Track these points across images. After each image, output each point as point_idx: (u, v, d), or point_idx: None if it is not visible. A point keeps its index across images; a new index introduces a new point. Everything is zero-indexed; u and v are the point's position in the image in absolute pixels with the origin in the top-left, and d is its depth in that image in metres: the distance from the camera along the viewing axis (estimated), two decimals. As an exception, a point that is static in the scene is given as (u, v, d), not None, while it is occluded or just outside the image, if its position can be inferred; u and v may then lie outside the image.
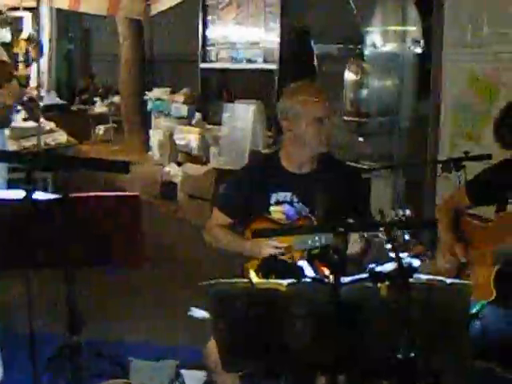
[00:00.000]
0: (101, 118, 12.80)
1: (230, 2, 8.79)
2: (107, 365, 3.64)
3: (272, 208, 3.28)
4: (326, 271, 2.76)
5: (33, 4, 9.67)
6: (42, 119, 8.25)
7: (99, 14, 10.55)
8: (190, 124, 9.50)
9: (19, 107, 7.27)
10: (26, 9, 11.42)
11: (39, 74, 9.76)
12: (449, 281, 2.30)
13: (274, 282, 2.40)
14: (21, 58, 13.87)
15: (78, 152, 10.76)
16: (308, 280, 2.44)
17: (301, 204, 3.28)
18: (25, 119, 7.79)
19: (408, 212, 2.60)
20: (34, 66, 11.34)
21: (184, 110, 9.84)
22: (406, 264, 2.36)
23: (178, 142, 9.37)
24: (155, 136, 10.24)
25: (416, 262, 2.48)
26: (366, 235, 2.86)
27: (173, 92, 10.37)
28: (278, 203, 3.29)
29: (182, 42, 10.67)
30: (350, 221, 2.69)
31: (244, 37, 8.60)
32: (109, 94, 13.43)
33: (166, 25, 10.95)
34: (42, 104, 9.08)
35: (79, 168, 2.99)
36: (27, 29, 13.84)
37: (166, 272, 5.91)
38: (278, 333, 2.35)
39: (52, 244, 2.75)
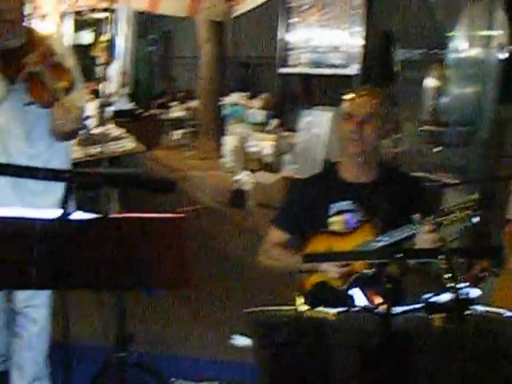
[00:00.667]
0: (177, 123, 12.65)
1: (314, 4, 8.41)
2: (152, 381, 3.43)
3: (332, 219, 3.16)
4: (378, 300, 2.55)
5: (111, 5, 9.59)
6: (110, 125, 8.09)
7: (178, 15, 10.36)
8: (265, 130, 9.21)
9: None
10: (104, 10, 11.28)
11: (112, 77, 9.65)
12: (508, 313, 2.17)
13: (322, 310, 2.28)
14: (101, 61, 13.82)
15: (150, 158, 10.67)
16: (358, 309, 2.32)
17: (361, 212, 3.14)
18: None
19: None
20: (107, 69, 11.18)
21: (260, 116, 9.57)
22: (464, 294, 2.18)
23: (251, 149, 9.10)
24: (229, 142, 9.97)
25: (474, 292, 2.28)
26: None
27: (251, 97, 10.11)
28: (338, 213, 3.16)
29: (261, 45, 10.42)
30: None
31: (326, 40, 8.23)
32: (188, 97, 13.28)
33: (246, 27, 10.71)
34: (112, 109, 8.96)
35: (121, 187, 2.72)
36: (107, 31, 13.82)
37: (226, 285, 5.73)
38: (325, 363, 2.29)
39: (88, 265, 2.57)
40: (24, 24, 3.39)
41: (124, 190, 2.98)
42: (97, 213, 2.50)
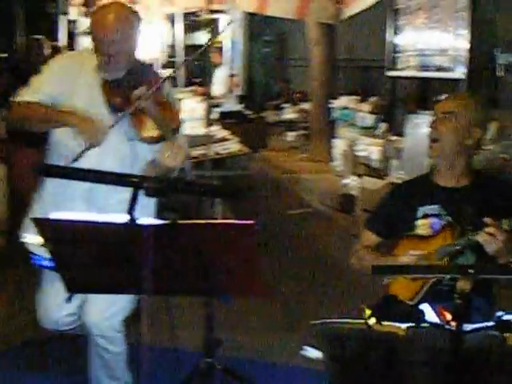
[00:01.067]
0: (290, 125, 12.68)
1: (420, 6, 8.23)
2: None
3: (418, 222, 3.15)
4: (448, 316, 2.51)
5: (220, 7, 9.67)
6: (216, 127, 8.16)
7: (286, 17, 10.38)
8: (374, 135, 9.09)
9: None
10: (214, 11, 11.44)
11: (222, 78, 9.73)
12: None
13: (391, 325, 2.24)
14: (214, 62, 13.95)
15: (260, 160, 10.73)
16: (428, 325, 2.34)
17: (448, 217, 3.11)
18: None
19: None
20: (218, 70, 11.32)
21: (370, 120, 9.44)
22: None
23: (359, 153, 8.99)
24: (339, 146, 9.91)
25: None
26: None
27: (361, 100, 10.01)
28: (424, 216, 3.15)
29: (370, 48, 10.29)
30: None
31: (433, 43, 8.03)
32: (303, 99, 13.27)
33: (355, 29, 10.60)
34: (219, 111, 9.04)
35: (187, 193, 2.73)
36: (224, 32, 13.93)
37: (325, 290, 5.68)
38: (395, 379, 2.27)
39: (157, 271, 2.54)
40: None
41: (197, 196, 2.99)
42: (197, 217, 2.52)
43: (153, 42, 10.27)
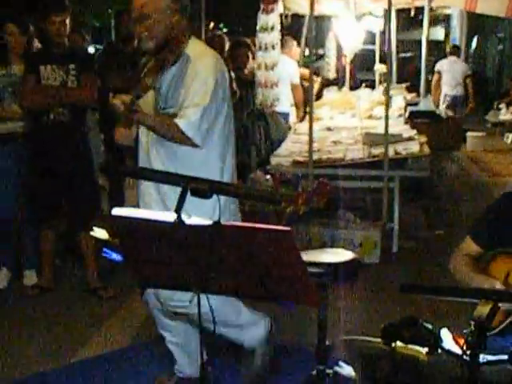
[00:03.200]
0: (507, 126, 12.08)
1: None
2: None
3: None
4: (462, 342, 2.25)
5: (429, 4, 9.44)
6: (405, 126, 7.99)
7: (497, 15, 9.90)
8: None
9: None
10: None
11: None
12: None
13: (414, 348, 2.20)
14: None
15: (461, 160, 10.32)
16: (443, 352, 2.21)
17: None
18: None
19: None
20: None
21: None
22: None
23: None
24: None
25: None
26: None
27: None
28: None
29: None
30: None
31: None
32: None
33: None
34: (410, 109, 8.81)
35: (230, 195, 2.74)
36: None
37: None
38: None
39: (203, 270, 2.65)
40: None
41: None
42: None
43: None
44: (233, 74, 7.05)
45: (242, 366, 4.06)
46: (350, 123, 9.14)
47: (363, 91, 11.36)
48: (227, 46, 6.64)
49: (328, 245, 6.26)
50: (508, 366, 2.03)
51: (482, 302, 2.07)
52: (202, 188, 2.63)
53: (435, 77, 12.99)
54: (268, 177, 6.54)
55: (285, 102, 9.21)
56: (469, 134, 11.96)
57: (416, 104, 9.64)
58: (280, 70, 8.83)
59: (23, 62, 5.77)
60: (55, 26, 5.58)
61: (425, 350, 2.16)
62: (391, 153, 6.75)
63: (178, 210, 2.60)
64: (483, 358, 2.00)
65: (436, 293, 2.43)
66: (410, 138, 7.37)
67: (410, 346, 2.20)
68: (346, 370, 2.31)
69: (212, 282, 2.72)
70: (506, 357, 2.03)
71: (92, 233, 3.51)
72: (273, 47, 7.59)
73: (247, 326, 4.02)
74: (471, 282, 2.90)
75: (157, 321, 4.04)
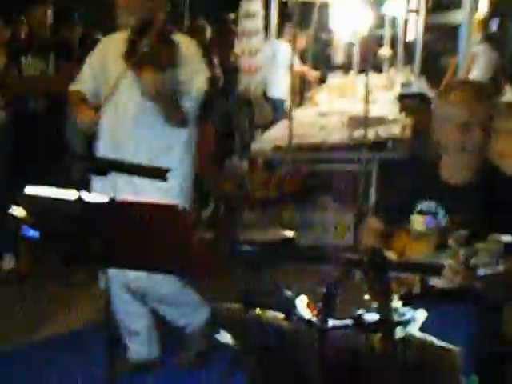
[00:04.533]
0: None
1: None
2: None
3: (414, 217, 2.97)
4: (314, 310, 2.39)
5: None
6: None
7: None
8: None
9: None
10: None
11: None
12: (439, 343, 2.01)
13: (273, 313, 2.29)
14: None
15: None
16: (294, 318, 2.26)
17: (445, 218, 2.92)
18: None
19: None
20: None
21: None
22: (401, 315, 2.12)
23: None
24: None
25: (420, 315, 2.19)
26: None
27: None
28: (421, 212, 2.98)
29: None
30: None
31: None
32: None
33: None
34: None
35: (118, 172, 2.90)
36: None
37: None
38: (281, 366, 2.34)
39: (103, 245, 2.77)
40: None
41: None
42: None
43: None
44: (216, 61, 7.20)
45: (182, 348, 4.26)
46: (349, 108, 9.21)
47: (370, 75, 11.39)
48: (208, 33, 6.81)
49: (303, 228, 6.38)
50: (352, 331, 2.11)
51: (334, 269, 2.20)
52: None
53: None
54: (244, 162, 6.68)
55: (281, 89, 9.33)
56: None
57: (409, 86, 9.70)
58: (276, 57, 8.98)
59: (5, 52, 5.98)
60: (36, 16, 5.80)
61: (282, 315, 2.24)
62: (373, 136, 6.81)
63: (79, 188, 2.75)
64: (332, 323, 2.11)
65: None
66: (393, 121, 7.43)
67: (269, 312, 2.29)
68: (225, 337, 2.44)
69: (116, 256, 2.88)
70: (350, 322, 2.11)
71: (10, 211, 3.69)
72: (255, 33, 7.72)
73: (184, 307, 4.22)
74: None
75: (117, 306, 4.19)
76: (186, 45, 3.89)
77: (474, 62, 11.90)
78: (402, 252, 2.93)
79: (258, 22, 7.82)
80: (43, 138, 5.84)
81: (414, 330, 2.08)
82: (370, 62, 12.75)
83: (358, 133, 6.98)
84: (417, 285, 2.69)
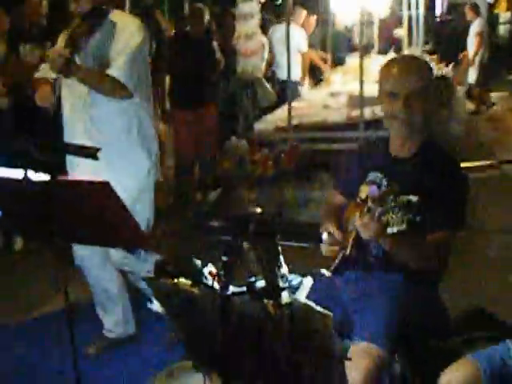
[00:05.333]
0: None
1: None
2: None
3: (361, 187, 3.13)
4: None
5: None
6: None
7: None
8: None
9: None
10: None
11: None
12: (318, 308, 2.02)
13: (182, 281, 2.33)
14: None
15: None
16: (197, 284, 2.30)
17: (385, 186, 3.04)
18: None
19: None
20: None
21: None
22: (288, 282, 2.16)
23: None
24: None
25: (308, 282, 2.27)
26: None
27: None
28: (367, 183, 3.13)
29: None
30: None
31: None
32: None
33: None
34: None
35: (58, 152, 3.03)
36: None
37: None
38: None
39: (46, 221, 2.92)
40: None
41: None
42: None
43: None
44: (215, 44, 7.31)
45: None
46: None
47: (388, 56, 11.39)
48: (207, 17, 6.91)
49: (302, 207, 6.46)
50: (248, 297, 2.16)
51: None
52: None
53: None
54: (243, 142, 6.78)
55: (294, 71, 9.37)
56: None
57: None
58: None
59: (5, 41, 6.17)
60: (31, 6, 5.98)
61: (189, 282, 2.29)
62: (369, 115, 6.86)
63: (25, 167, 2.87)
64: (232, 289, 2.19)
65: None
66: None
67: (181, 280, 2.33)
68: (155, 306, 2.54)
69: (63, 232, 3.01)
70: (243, 288, 2.16)
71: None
72: (251, 16, 7.79)
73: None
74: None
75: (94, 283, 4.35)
76: (122, 22, 4.04)
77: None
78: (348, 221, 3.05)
79: (254, 5, 7.89)
80: (42, 124, 5.98)
81: (301, 295, 2.15)
82: (389, 43, 12.83)
83: (356, 112, 7.03)
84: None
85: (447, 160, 3.12)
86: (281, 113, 7.88)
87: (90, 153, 2.79)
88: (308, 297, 3.13)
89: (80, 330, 3.05)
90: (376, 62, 10.37)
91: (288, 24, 7.60)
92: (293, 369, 2.15)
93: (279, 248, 2.15)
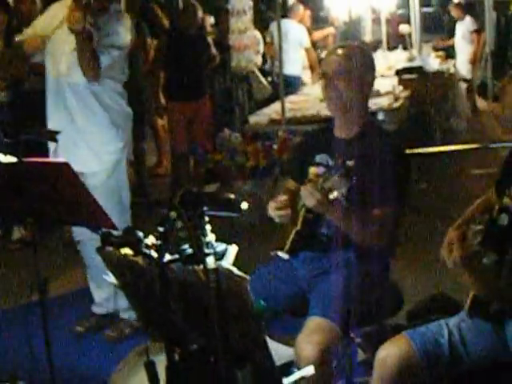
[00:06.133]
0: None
1: None
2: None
3: (310, 169, 3.28)
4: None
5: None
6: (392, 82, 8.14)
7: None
8: None
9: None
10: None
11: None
12: (238, 272, 2.15)
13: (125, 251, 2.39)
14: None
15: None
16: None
17: (332, 168, 3.14)
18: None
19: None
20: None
21: None
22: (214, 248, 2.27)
23: None
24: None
25: (232, 249, 2.33)
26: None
27: None
28: (315, 164, 3.30)
29: None
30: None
31: None
32: None
33: None
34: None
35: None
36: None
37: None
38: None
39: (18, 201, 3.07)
40: None
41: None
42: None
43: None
44: (210, 39, 7.50)
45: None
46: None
47: (396, 52, 11.49)
48: (200, 13, 7.08)
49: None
50: (181, 265, 2.27)
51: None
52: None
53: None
54: (236, 134, 6.92)
55: (295, 66, 9.56)
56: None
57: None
58: (287, 36, 9.17)
59: (3, 37, 6.36)
60: (26, 3, 6.18)
61: (131, 252, 2.37)
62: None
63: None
64: (168, 257, 2.29)
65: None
66: (386, 94, 7.59)
67: (125, 250, 2.41)
68: (110, 277, 2.66)
69: (30, 211, 3.15)
70: (176, 256, 2.27)
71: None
72: (244, 12, 7.95)
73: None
74: None
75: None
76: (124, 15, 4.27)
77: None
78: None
79: (247, 1, 8.06)
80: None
81: (226, 261, 2.29)
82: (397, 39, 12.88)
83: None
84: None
85: (388, 140, 3.29)
86: (277, 106, 8.02)
87: (50, 136, 2.92)
88: (263, 278, 3.34)
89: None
90: (383, 58, 10.50)
91: (279, 18, 7.75)
92: (221, 328, 2.27)
93: (205, 217, 2.30)
